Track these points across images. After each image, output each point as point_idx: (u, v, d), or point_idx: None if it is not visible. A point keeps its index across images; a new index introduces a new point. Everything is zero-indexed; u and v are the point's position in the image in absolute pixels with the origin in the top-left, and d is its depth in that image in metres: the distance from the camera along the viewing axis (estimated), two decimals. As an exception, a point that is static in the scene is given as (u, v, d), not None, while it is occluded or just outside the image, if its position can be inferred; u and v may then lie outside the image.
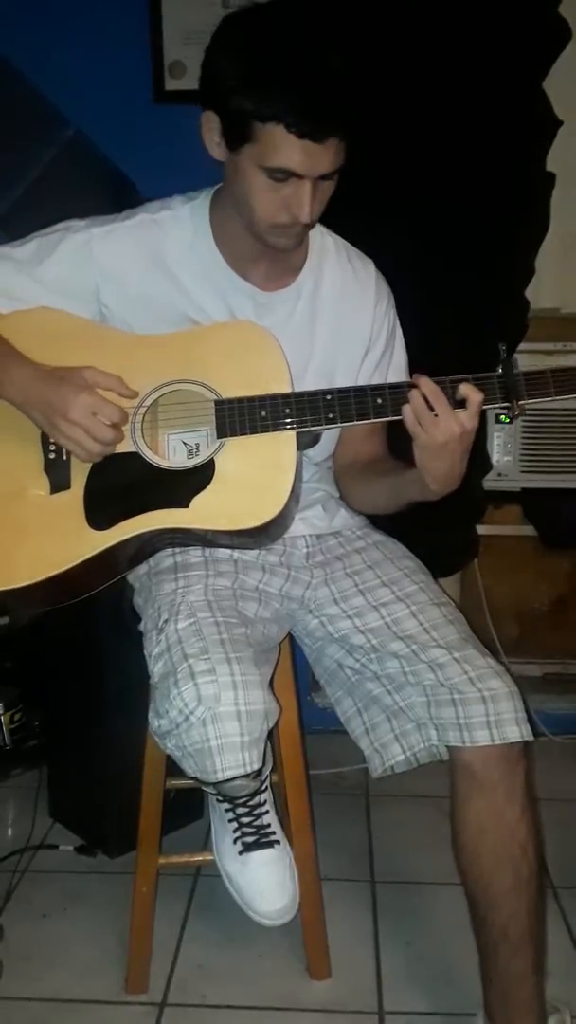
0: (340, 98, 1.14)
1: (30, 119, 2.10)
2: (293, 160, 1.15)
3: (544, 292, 2.13)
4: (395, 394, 1.24)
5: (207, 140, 1.23)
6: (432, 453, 1.21)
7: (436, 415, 1.19)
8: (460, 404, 1.20)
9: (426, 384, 1.20)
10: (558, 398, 1.22)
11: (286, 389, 1.26)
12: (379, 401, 1.24)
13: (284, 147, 1.14)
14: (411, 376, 1.29)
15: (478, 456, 2.13)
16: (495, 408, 1.23)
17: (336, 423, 1.26)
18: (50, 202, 2.08)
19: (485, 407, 1.22)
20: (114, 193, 2.10)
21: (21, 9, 2.05)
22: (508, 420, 2.17)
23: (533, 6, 1.86)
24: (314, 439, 1.33)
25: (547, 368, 1.22)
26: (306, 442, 1.30)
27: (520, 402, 1.21)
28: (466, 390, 1.20)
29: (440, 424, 1.18)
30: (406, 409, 1.20)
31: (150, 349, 1.31)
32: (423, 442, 1.20)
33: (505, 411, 1.22)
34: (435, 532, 1.77)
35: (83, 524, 1.27)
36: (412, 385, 1.21)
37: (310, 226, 1.25)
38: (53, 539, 1.27)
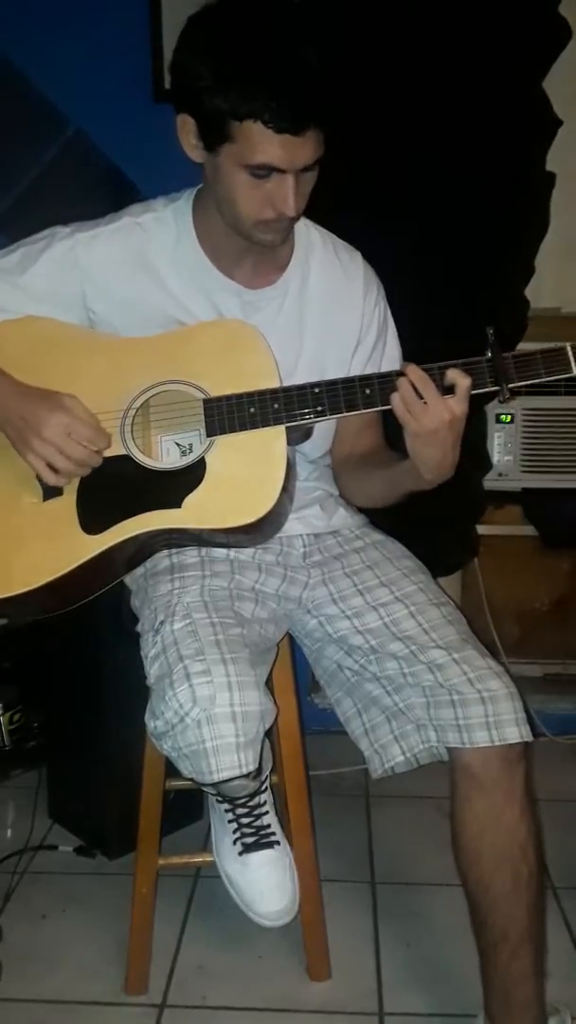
0: (315, 89, 1.14)
1: (31, 120, 2.10)
2: (274, 155, 1.15)
3: (544, 292, 2.13)
4: (383, 384, 1.23)
5: (184, 143, 1.23)
6: (423, 441, 1.20)
7: (425, 402, 1.19)
8: (449, 390, 1.19)
9: (413, 371, 1.19)
10: (549, 378, 1.21)
11: (275, 385, 1.26)
12: (367, 392, 1.24)
13: (263, 143, 1.14)
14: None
15: (478, 456, 2.14)
16: (485, 391, 1.22)
17: (325, 415, 1.25)
18: (50, 202, 2.09)
19: (474, 391, 1.21)
20: (114, 193, 2.11)
21: (21, 9, 2.05)
22: (509, 419, 2.17)
23: (533, 5, 1.86)
24: (306, 434, 1.33)
25: (536, 350, 1.21)
26: (297, 437, 1.30)
27: (510, 384, 1.20)
28: (453, 375, 1.19)
29: (429, 411, 1.18)
30: (395, 397, 1.20)
31: (138, 351, 1.30)
32: (413, 430, 1.20)
33: (496, 394, 1.21)
34: (435, 531, 1.77)
35: (77, 529, 1.26)
36: (400, 373, 1.21)
37: (295, 219, 1.25)
38: (47, 546, 1.26)
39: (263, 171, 1.16)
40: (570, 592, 2.40)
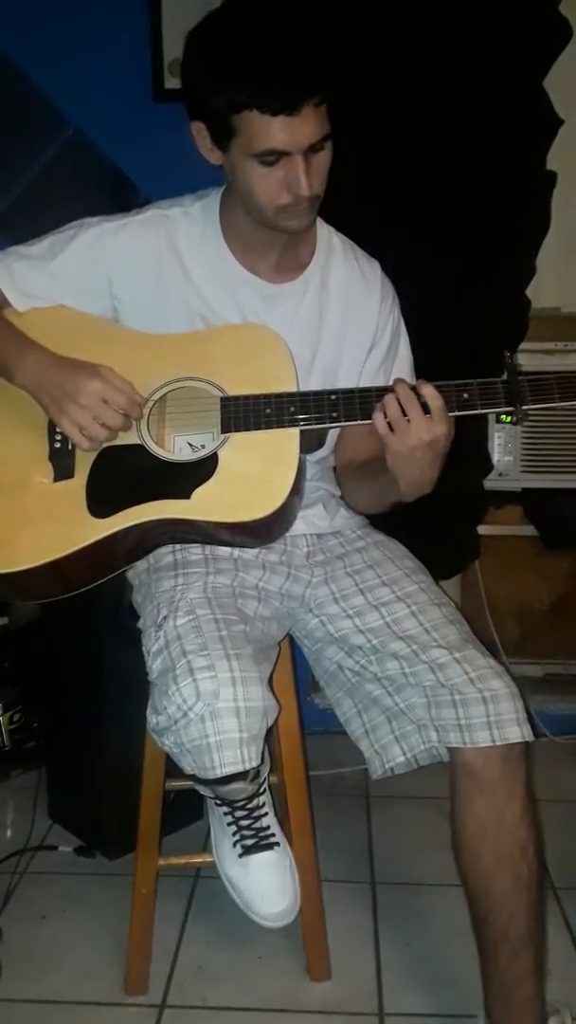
0: (300, 66, 1.15)
1: (30, 119, 2.10)
2: (275, 139, 1.17)
3: (544, 292, 2.13)
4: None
5: (202, 149, 1.26)
6: (403, 458, 1.23)
7: (408, 420, 1.20)
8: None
9: (401, 389, 1.21)
10: (562, 404, 1.23)
11: (292, 390, 1.28)
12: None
13: (263, 129, 1.16)
14: (417, 374, 1.30)
15: (479, 456, 2.13)
16: (498, 412, 1.25)
17: (340, 422, 1.27)
18: (50, 202, 2.09)
19: (489, 412, 1.23)
20: (114, 193, 2.11)
21: (21, 9, 2.05)
22: (509, 420, 2.17)
23: (534, 5, 1.86)
24: (319, 441, 1.34)
25: (552, 374, 1.23)
26: (311, 444, 1.31)
27: (524, 407, 1.22)
28: (427, 394, 1.21)
29: (411, 430, 1.20)
30: (377, 415, 1.22)
31: (161, 347, 1.33)
32: (395, 448, 1.22)
33: (509, 415, 1.23)
34: (436, 534, 1.77)
35: (84, 512, 1.27)
36: (413, 388, 1.22)
37: (316, 201, 1.25)
38: (54, 525, 1.27)
39: (270, 157, 1.18)
40: (570, 592, 2.40)
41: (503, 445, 2.21)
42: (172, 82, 2.07)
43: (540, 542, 2.25)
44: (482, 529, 2.23)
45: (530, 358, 2.11)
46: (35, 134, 2.12)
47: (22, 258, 1.35)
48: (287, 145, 1.17)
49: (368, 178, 1.81)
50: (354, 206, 1.50)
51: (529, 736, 1.23)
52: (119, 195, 2.08)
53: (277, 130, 1.16)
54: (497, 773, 1.23)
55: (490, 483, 2.19)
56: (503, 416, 2.15)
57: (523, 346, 2.05)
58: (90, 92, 2.05)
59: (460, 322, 1.90)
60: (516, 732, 1.22)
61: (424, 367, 1.44)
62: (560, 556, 2.35)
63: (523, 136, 1.91)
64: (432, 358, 1.48)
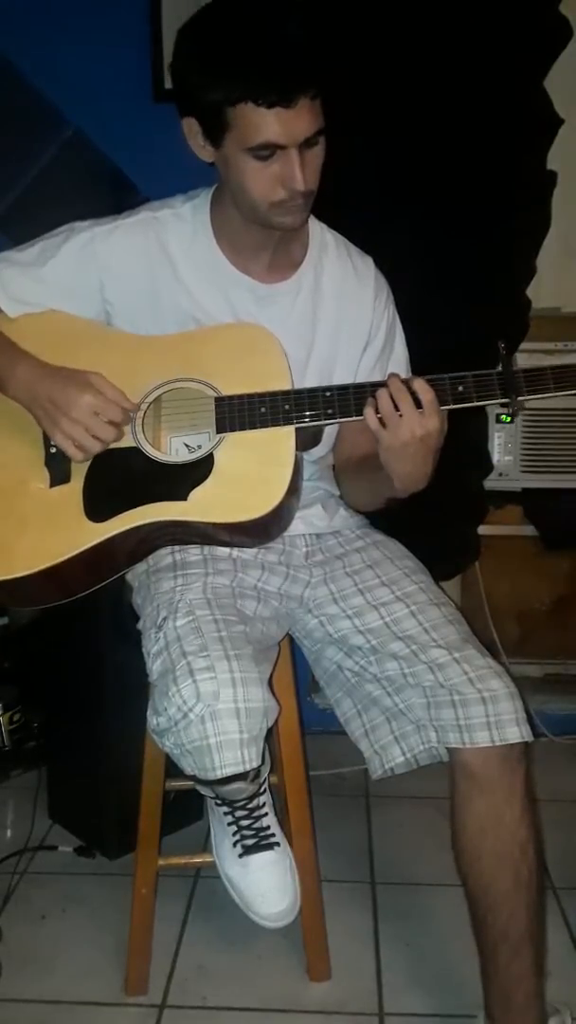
0: (296, 58, 1.16)
1: (30, 119, 2.10)
2: (271, 132, 1.17)
3: (544, 292, 2.12)
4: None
5: (194, 146, 1.26)
6: (395, 453, 1.22)
7: (401, 415, 1.20)
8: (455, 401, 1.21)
9: (393, 383, 1.21)
10: (558, 394, 1.22)
11: (286, 388, 1.27)
12: None
13: (258, 122, 1.16)
14: (417, 374, 1.30)
15: (479, 456, 2.13)
16: (494, 404, 1.25)
17: (335, 418, 1.27)
18: (50, 202, 2.09)
19: (484, 403, 1.23)
20: (113, 193, 2.11)
21: (21, 9, 2.05)
22: (509, 420, 2.17)
23: (534, 4, 1.86)
24: (315, 439, 1.34)
25: (547, 365, 1.23)
26: (307, 441, 1.30)
27: (520, 398, 1.22)
28: (418, 387, 1.20)
29: (403, 424, 1.20)
30: (368, 410, 1.22)
31: (154, 349, 1.32)
32: (387, 443, 1.22)
33: (505, 407, 1.23)
34: (436, 534, 1.76)
35: (82, 516, 1.27)
36: (405, 382, 1.22)
37: (310, 196, 1.25)
38: (51, 530, 1.27)
39: (266, 151, 1.18)
40: (570, 592, 2.40)
41: (503, 445, 2.20)
42: (172, 82, 2.07)
43: (540, 542, 2.25)
44: (482, 529, 2.23)
45: (530, 358, 2.10)
46: (35, 134, 2.12)
47: (12, 264, 1.35)
48: (282, 138, 1.17)
49: (368, 178, 1.81)
50: (354, 205, 1.50)
51: (529, 736, 1.23)
52: (119, 196, 2.08)
53: (272, 123, 1.16)
54: (497, 773, 1.23)
55: (490, 483, 2.19)
56: (502, 416, 2.18)
57: (523, 346, 2.05)
58: (90, 92, 2.05)
59: (460, 322, 1.89)
60: (515, 732, 1.22)
61: (423, 367, 1.43)
62: (560, 556, 2.34)
63: (523, 136, 1.91)
64: (432, 358, 1.47)
